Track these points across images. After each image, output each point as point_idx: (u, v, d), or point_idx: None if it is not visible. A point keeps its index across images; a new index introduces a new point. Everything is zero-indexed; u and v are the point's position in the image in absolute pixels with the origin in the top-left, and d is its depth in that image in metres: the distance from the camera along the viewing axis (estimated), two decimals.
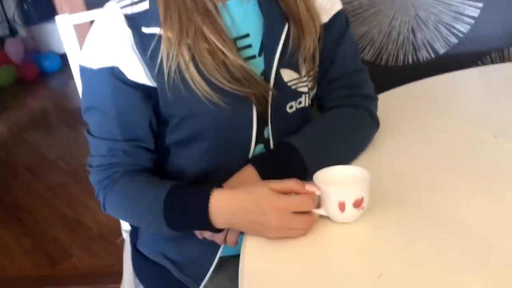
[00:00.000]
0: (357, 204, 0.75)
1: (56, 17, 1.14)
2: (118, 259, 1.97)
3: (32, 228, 2.36)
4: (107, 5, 0.84)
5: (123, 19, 0.81)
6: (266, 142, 0.90)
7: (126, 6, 0.82)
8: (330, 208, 0.76)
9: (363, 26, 1.44)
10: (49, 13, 4.56)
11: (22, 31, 4.87)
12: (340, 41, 0.93)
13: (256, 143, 0.88)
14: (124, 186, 0.84)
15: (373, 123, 0.96)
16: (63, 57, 4.53)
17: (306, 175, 0.82)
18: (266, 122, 0.87)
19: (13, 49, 4.52)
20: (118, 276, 1.81)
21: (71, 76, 1.17)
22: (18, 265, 2.13)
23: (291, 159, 0.84)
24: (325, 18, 0.91)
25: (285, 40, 0.85)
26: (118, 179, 0.85)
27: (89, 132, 0.87)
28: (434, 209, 0.78)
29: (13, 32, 4.86)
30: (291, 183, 0.75)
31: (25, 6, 4.67)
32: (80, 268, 2.04)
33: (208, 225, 0.76)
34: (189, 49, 0.79)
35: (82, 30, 1.25)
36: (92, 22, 1.16)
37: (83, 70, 0.86)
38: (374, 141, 0.97)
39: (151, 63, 0.81)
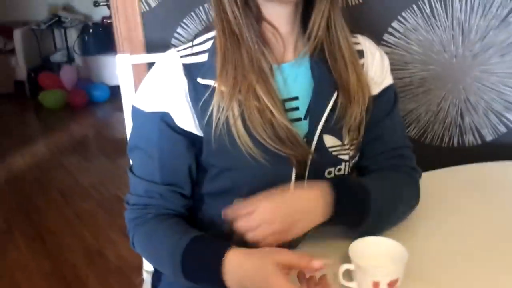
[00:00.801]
0: (392, 284, 0.73)
1: (117, 56, 1.19)
2: None
3: (53, 251, 2.38)
4: (168, 52, 0.88)
5: (181, 68, 0.85)
6: None
7: (186, 55, 0.86)
8: (363, 285, 0.75)
9: (411, 103, 1.44)
10: (106, 46, 4.79)
11: (78, 59, 5.09)
12: (389, 115, 0.94)
13: None
14: (152, 227, 0.85)
15: (417, 195, 0.95)
16: (112, 89, 4.69)
17: (363, 219, 0.83)
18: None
19: (67, 75, 4.72)
20: None
21: (116, 108, 1.22)
22: (33, 286, 2.13)
23: (362, 202, 0.84)
24: (375, 90, 0.92)
25: (332, 107, 0.86)
26: (149, 220, 0.86)
27: (131, 171, 0.89)
28: None
29: (70, 60, 5.09)
30: (299, 258, 0.71)
31: (86, 38, 4.92)
32: None
33: (221, 283, 0.74)
34: (239, 105, 0.81)
35: (138, 70, 1.30)
36: (149, 64, 1.21)
37: (135, 111, 0.89)
38: (411, 218, 0.95)
39: (202, 113, 0.83)
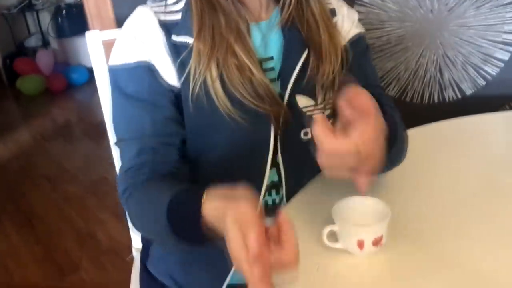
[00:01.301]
0: (376, 242, 0.74)
1: (86, 33, 1.16)
2: (126, 276, 1.97)
3: (43, 237, 2.37)
4: (138, 8, 0.85)
5: (156, 21, 0.83)
6: (278, 166, 0.89)
7: (159, 12, 0.84)
8: (348, 244, 0.75)
9: (390, 62, 1.43)
10: (81, 28, 4.68)
11: (54, 43, 4.99)
12: (362, 62, 0.93)
13: (271, 167, 0.87)
14: (143, 192, 0.79)
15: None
16: (91, 71, 4.61)
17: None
18: (281, 147, 0.87)
19: (44, 60, 4.63)
20: None
21: (97, 90, 1.18)
22: (26, 273, 2.13)
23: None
24: (345, 38, 0.91)
25: (303, 67, 0.85)
26: (142, 183, 0.79)
27: (118, 139, 0.85)
28: (448, 252, 0.76)
29: (45, 44, 4.98)
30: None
31: (59, 20, 4.80)
32: (88, 282, 2.03)
33: (202, 229, 0.64)
34: (217, 65, 0.79)
35: (110, 47, 1.27)
36: None
37: (116, 70, 0.84)
38: (394, 176, 0.95)
39: (181, 69, 0.81)
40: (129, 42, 0.84)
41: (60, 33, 4.85)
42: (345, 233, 0.75)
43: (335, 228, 0.76)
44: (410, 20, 1.38)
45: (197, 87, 0.80)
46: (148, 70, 0.82)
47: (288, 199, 0.93)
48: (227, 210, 0.57)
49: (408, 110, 1.44)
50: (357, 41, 0.93)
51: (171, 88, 0.82)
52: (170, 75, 0.82)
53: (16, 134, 3.70)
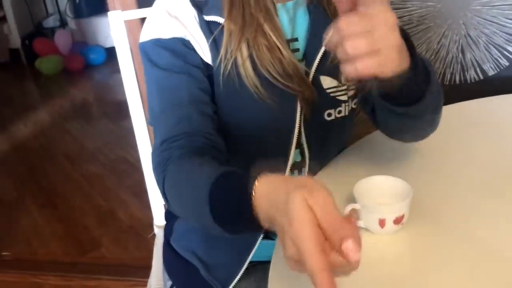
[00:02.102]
0: (398, 221, 0.74)
1: (109, 13, 1.17)
2: (146, 254, 2.00)
3: (65, 215, 2.42)
4: None
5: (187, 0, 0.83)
6: (301, 147, 0.90)
7: None
8: (370, 223, 0.76)
9: None
10: (99, 8, 4.70)
11: (71, 23, 5.01)
12: None
13: (295, 147, 0.88)
14: (181, 164, 0.75)
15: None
16: (109, 51, 4.64)
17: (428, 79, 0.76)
18: (305, 128, 0.88)
19: (61, 40, 4.66)
20: (145, 270, 1.84)
21: (114, 70, 1.20)
22: (49, 250, 2.19)
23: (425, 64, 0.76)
24: None
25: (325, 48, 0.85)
26: (179, 157, 0.75)
27: (153, 115, 0.84)
28: (469, 231, 0.77)
29: (63, 24, 5.01)
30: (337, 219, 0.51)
31: (77, 0, 4.82)
32: (109, 259, 2.08)
33: (249, 215, 0.58)
34: (248, 45, 0.80)
35: (131, 27, 1.28)
36: (142, 20, 1.19)
37: (149, 46, 0.84)
38: (415, 156, 0.96)
39: (213, 48, 0.82)
40: (163, 18, 0.83)
41: (78, 13, 4.87)
42: (367, 212, 0.76)
43: (356, 206, 0.77)
44: (432, 0, 1.36)
45: (229, 66, 0.81)
46: (183, 44, 0.82)
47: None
48: (296, 194, 0.50)
49: None
50: None
51: (205, 64, 0.83)
52: (204, 52, 0.83)
53: (35, 113, 3.75)
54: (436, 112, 0.85)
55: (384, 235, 0.77)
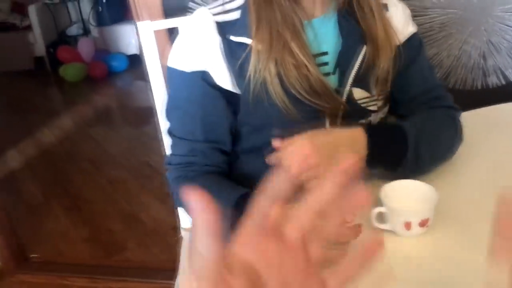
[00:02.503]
0: (423, 223, 0.76)
1: (138, 23, 1.20)
2: (170, 256, 2.04)
3: (90, 218, 2.47)
4: (198, 11, 0.89)
5: (214, 26, 0.86)
6: None
7: (218, 14, 0.87)
8: (396, 225, 0.78)
9: (433, 49, 1.43)
10: (121, 16, 4.79)
11: (94, 31, 5.11)
12: (415, 61, 0.95)
13: None
14: (198, 181, 0.87)
15: (458, 134, 0.95)
16: (130, 58, 4.72)
17: (401, 158, 0.84)
18: None
19: (85, 48, 4.76)
20: (169, 272, 1.88)
21: (136, 77, 1.25)
22: (75, 252, 2.23)
23: (398, 139, 0.86)
24: (400, 39, 0.93)
25: (360, 60, 0.87)
26: (193, 176, 0.89)
27: (171, 133, 0.92)
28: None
29: (86, 32, 5.11)
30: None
31: (100, 8, 4.92)
32: (133, 262, 2.12)
33: None
34: (275, 63, 0.83)
35: (158, 36, 1.32)
36: (169, 29, 1.23)
37: (173, 72, 0.90)
38: None
39: (240, 72, 0.85)
40: (186, 50, 0.89)
41: (101, 22, 4.97)
42: (393, 215, 0.78)
43: (383, 210, 0.79)
44: (454, 7, 1.37)
45: (258, 84, 0.84)
46: (202, 78, 0.87)
47: None
48: None
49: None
50: (412, 40, 0.95)
51: (225, 92, 0.87)
52: (224, 80, 0.87)
53: (59, 119, 3.83)
54: (441, 158, 0.91)
55: (409, 237, 0.79)
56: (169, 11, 1.53)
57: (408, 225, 0.77)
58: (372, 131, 0.83)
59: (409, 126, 0.87)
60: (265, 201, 0.36)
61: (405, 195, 0.81)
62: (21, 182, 2.92)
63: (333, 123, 0.88)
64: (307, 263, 0.36)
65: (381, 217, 0.80)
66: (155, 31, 1.22)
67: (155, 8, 1.56)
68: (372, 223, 0.80)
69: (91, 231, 2.38)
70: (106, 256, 2.18)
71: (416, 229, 0.77)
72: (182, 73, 0.88)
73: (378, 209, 0.79)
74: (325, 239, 0.37)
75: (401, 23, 0.93)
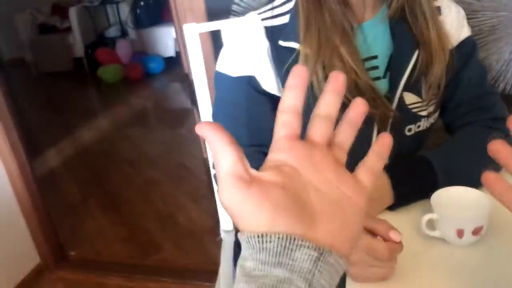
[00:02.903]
0: (476, 231, 0.74)
1: (184, 26, 1.22)
2: (207, 258, 2.06)
3: (127, 218, 2.51)
4: (248, 15, 0.89)
5: (263, 31, 0.86)
6: None
7: (267, 18, 0.87)
8: (447, 233, 0.76)
9: (482, 52, 1.39)
10: (158, 19, 4.87)
11: (132, 33, 5.20)
12: (466, 66, 0.92)
13: None
14: None
15: None
16: (167, 60, 4.79)
17: (435, 189, 0.81)
18: None
19: (123, 49, 4.85)
20: (206, 274, 1.89)
21: (172, 79, 1.26)
22: (113, 251, 2.27)
23: (424, 171, 0.83)
24: (453, 43, 0.90)
25: (413, 64, 0.85)
26: None
27: None
28: None
29: (124, 34, 5.21)
30: (376, 223, 0.69)
31: (138, 11, 5.00)
32: (170, 262, 2.13)
33: None
34: (323, 67, 0.81)
35: (201, 39, 1.33)
36: (212, 32, 1.24)
37: (220, 76, 0.91)
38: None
39: (286, 76, 0.84)
40: (234, 55, 0.89)
41: (138, 24, 5.06)
42: (445, 221, 0.76)
43: (434, 216, 0.77)
44: (504, 9, 1.34)
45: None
46: (248, 83, 0.87)
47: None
48: None
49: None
50: (465, 44, 0.92)
51: (271, 97, 0.87)
52: (271, 85, 0.87)
53: (97, 120, 3.92)
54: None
55: (461, 245, 0.77)
56: (212, 14, 1.55)
57: (460, 233, 0.75)
58: (393, 170, 0.81)
59: (433, 154, 0.85)
60: (287, 115, 0.40)
61: (457, 202, 0.79)
62: (60, 181, 2.99)
63: (381, 129, 0.86)
64: (335, 160, 0.40)
65: (431, 224, 0.78)
66: (200, 33, 1.23)
67: (199, 11, 1.58)
68: (423, 230, 0.78)
69: (128, 230, 2.41)
70: (143, 256, 2.21)
71: (469, 237, 0.75)
72: (228, 77, 0.89)
73: (428, 216, 0.77)
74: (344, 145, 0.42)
75: (454, 26, 0.91)
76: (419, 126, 0.90)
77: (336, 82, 0.42)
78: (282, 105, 0.40)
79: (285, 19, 0.86)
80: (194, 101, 1.31)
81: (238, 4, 1.43)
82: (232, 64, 0.89)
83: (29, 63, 5.26)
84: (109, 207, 2.63)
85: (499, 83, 1.43)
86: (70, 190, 2.87)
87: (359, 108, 0.43)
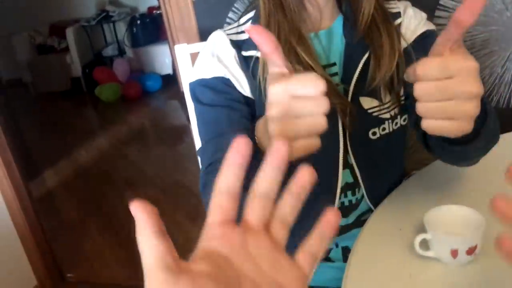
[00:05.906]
0: (471, 251, 0.73)
1: (175, 46, 1.22)
2: None
3: (126, 239, 2.49)
4: (214, 32, 0.94)
5: (228, 42, 0.90)
6: (351, 167, 0.92)
7: (231, 34, 0.92)
8: (441, 253, 0.75)
9: None
10: (155, 37, 4.89)
11: (129, 52, 5.23)
12: None
13: (343, 168, 0.91)
14: None
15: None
16: (164, 78, 4.80)
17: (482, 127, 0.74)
18: (352, 149, 0.90)
19: (120, 68, 4.87)
20: None
21: (169, 97, 1.26)
22: (111, 273, 2.25)
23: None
24: (411, 37, 0.91)
25: (364, 69, 0.86)
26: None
27: (200, 146, 0.92)
28: None
29: (121, 53, 5.23)
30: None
31: (134, 29, 5.03)
32: None
33: None
34: None
35: (194, 59, 1.33)
36: None
37: (195, 84, 0.91)
38: (485, 185, 0.94)
39: (252, 80, 0.88)
40: (206, 60, 0.91)
41: (135, 43, 5.09)
42: (439, 241, 0.75)
43: (427, 236, 0.76)
44: (495, 24, 1.34)
45: (266, 91, 0.84)
46: (223, 82, 0.89)
47: (370, 199, 0.95)
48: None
49: None
50: (426, 37, 0.91)
51: (245, 98, 0.89)
52: (244, 88, 0.89)
53: (95, 139, 3.91)
54: (493, 142, 0.83)
55: (456, 266, 0.76)
56: (204, 34, 1.55)
57: (454, 253, 0.74)
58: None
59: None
60: (222, 196, 0.38)
61: (450, 221, 0.78)
62: (58, 201, 2.98)
63: (344, 124, 0.88)
64: (273, 245, 0.38)
65: (425, 244, 0.77)
66: (191, 54, 1.23)
67: (191, 31, 1.58)
68: (416, 250, 0.77)
69: (127, 251, 2.39)
70: (141, 277, 2.16)
71: (463, 257, 0.74)
72: (203, 80, 0.90)
73: (421, 236, 0.77)
74: (287, 220, 0.39)
75: (412, 26, 0.91)
76: (384, 129, 0.91)
77: (278, 155, 0.38)
78: (219, 184, 0.38)
79: (246, 35, 0.89)
80: (188, 119, 1.31)
81: (230, 24, 1.43)
82: (205, 68, 0.90)
83: (27, 84, 5.27)
84: (108, 227, 2.62)
85: (493, 97, 1.42)
86: (68, 210, 2.86)
87: (303, 178, 0.39)
